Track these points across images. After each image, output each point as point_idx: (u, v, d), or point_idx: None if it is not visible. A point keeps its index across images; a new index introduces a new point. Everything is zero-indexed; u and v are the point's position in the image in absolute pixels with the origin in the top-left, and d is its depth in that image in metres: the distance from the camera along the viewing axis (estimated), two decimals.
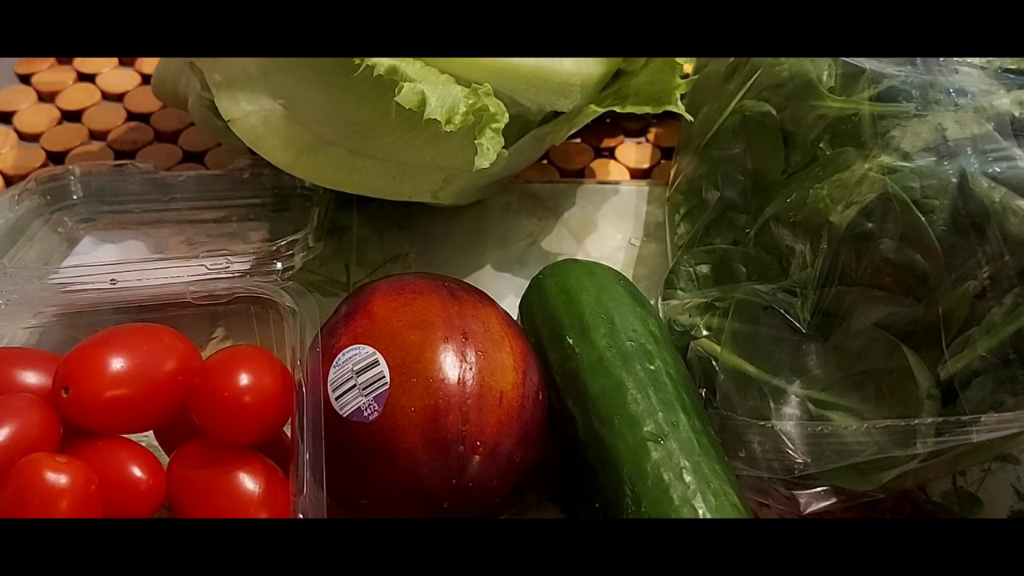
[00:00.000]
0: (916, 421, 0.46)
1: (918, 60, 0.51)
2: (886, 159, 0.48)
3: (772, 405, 0.49)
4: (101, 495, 0.43)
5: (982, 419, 0.45)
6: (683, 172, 0.62)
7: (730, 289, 0.53)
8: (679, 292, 0.55)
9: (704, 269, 0.55)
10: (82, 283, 0.52)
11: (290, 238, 0.55)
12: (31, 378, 0.48)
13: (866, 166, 0.48)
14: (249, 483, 0.45)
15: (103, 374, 0.45)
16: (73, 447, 0.45)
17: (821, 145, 0.52)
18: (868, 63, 0.51)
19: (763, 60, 0.56)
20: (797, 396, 0.48)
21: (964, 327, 0.46)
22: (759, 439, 0.48)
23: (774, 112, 0.54)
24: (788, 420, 0.48)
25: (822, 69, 0.53)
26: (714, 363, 0.50)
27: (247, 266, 0.53)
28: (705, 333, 0.52)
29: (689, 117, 0.58)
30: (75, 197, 0.61)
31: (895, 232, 0.47)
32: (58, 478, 0.42)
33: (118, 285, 0.51)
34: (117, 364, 0.46)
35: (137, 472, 0.45)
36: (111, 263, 0.54)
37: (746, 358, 0.50)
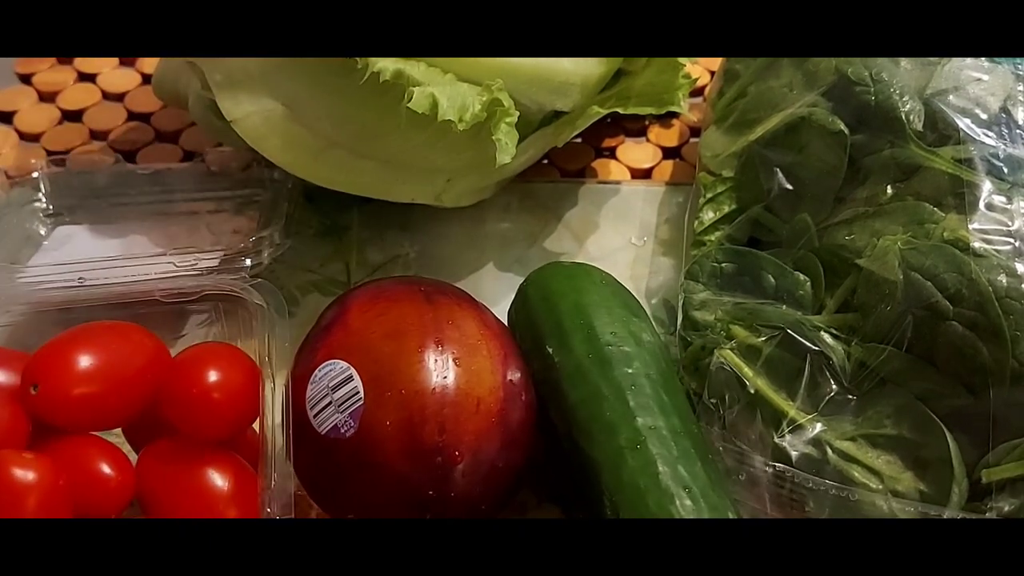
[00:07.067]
0: (946, 513, 0.45)
1: (1015, 133, 0.50)
2: (966, 235, 0.47)
3: (791, 441, 0.48)
4: (70, 492, 0.43)
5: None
6: (716, 153, 0.60)
7: (759, 303, 0.52)
8: (699, 285, 0.55)
9: (729, 268, 0.55)
10: (50, 281, 0.52)
11: (258, 235, 0.55)
12: None
13: (945, 234, 0.48)
14: (218, 479, 0.45)
15: (72, 371, 0.45)
16: (42, 444, 0.45)
17: (890, 189, 0.51)
18: (961, 123, 0.50)
19: (843, 71, 0.54)
20: (821, 441, 0.47)
21: (1016, 434, 0.45)
22: (769, 475, 0.48)
23: (847, 132, 0.53)
24: (806, 464, 0.47)
25: (912, 110, 0.51)
26: (741, 382, 0.49)
27: (215, 263, 0.53)
28: (729, 344, 0.51)
29: (692, 116, 0.57)
30: (43, 192, 0.61)
31: (969, 320, 0.46)
32: (25, 474, 0.41)
33: (86, 283, 0.51)
34: (86, 361, 0.46)
35: (106, 469, 0.45)
36: (79, 261, 0.53)
37: (775, 389, 0.49)
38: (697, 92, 0.70)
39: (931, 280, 0.47)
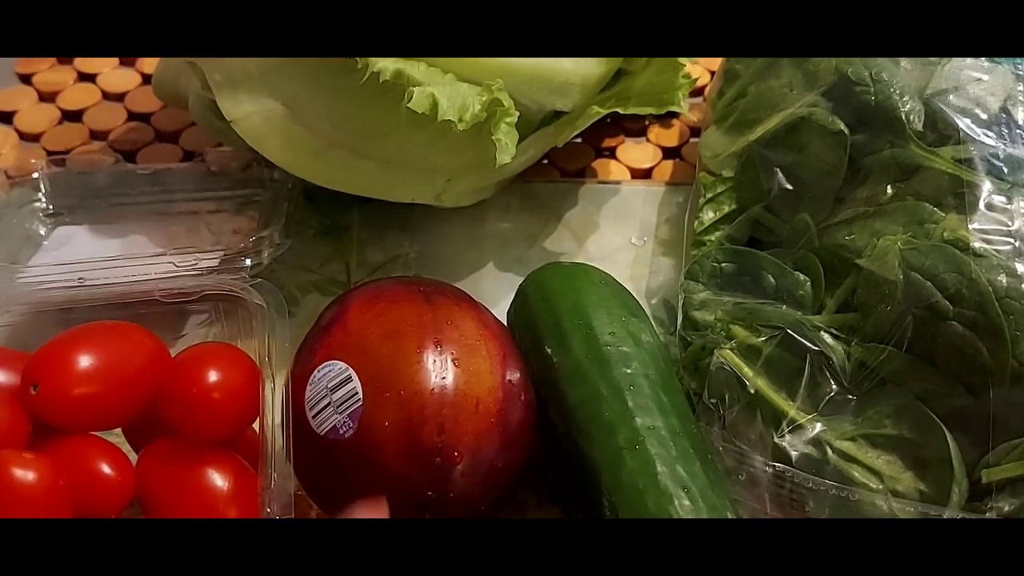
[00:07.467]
0: (946, 513, 0.45)
1: (1015, 133, 0.50)
2: (966, 235, 0.47)
3: (791, 441, 0.48)
4: (70, 492, 0.43)
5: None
6: (716, 153, 0.60)
7: (759, 303, 0.52)
8: (699, 285, 0.55)
9: (729, 268, 0.54)
10: (51, 281, 0.52)
11: (258, 235, 0.55)
12: None
13: (945, 234, 0.48)
14: (218, 479, 0.45)
15: (72, 371, 0.45)
16: (42, 444, 0.45)
17: (890, 189, 0.51)
18: (961, 123, 0.50)
19: (843, 71, 0.54)
20: (821, 441, 0.47)
21: (1016, 434, 0.45)
22: (769, 475, 0.48)
23: (847, 132, 0.53)
24: (806, 464, 0.47)
25: (912, 110, 0.51)
26: (741, 382, 0.49)
27: (215, 263, 0.54)
28: (729, 344, 0.51)
29: (692, 116, 0.57)
30: (43, 192, 0.61)
31: (969, 320, 0.46)
32: (25, 474, 0.42)
33: (87, 283, 0.52)
34: (86, 361, 0.46)
35: (106, 469, 0.45)
36: (79, 261, 0.53)
37: (775, 389, 0.49)
38: (697, 92, 0.70)
39: (931, 280, 0.47)
